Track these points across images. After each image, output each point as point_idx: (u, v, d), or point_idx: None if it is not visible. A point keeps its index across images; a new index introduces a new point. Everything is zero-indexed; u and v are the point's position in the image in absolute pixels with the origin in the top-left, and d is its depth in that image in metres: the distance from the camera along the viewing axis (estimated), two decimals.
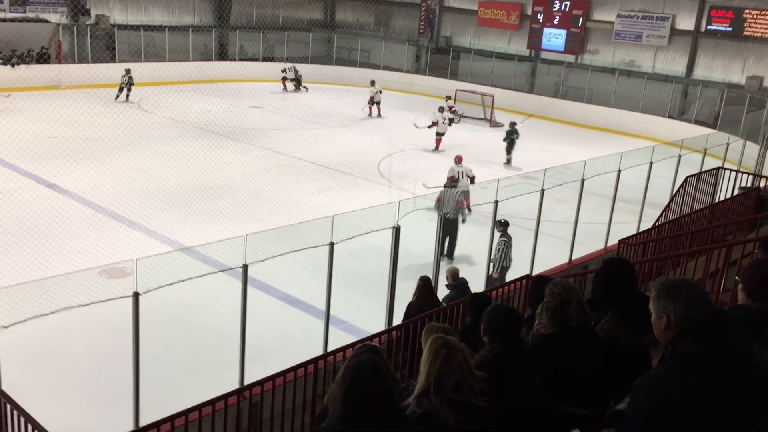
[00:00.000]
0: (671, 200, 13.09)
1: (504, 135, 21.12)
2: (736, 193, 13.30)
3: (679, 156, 13.87)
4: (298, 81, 31.46)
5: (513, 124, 21.23)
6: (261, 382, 6.23)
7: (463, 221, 12.95)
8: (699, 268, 7.92)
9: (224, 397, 5.91)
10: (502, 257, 10.85)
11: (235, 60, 33.40)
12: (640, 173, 12.88)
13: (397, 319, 8.52)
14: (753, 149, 20.38)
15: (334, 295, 8.22)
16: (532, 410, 3.52)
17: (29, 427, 5.28)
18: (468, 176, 15.01)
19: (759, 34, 26.46)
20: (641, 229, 11.72)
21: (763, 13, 26.29)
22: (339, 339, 8.16)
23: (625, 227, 12.23)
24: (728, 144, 16.90)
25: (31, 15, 28.33)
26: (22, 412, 5.38)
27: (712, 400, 2.56)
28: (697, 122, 26.56)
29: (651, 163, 12.93)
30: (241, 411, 6.21)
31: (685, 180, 13.04)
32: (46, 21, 28.77)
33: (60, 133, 19.27)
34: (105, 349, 8.84)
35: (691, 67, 28.65)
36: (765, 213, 11.27)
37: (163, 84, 28.62)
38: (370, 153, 20.03)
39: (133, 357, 6.63)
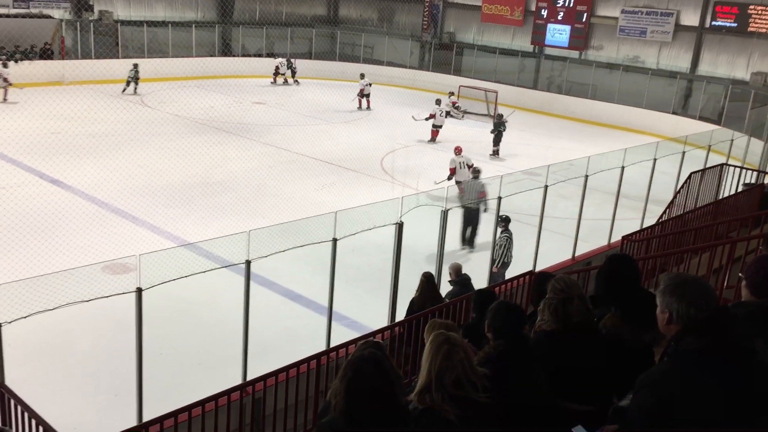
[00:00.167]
0: (675, 196, 13.06)
1: (492, 127, 21.59)
2: (740, 189, 13.27)
3: (683, 152, 13.83)
4: (293, 72, 31.62)
5: (500, 116, 21.78)
6: (264, 378, 6.23)
7: (485, 210, 13.14)
8: (702, 264, 7.90)
9: (227, 392, 5.92)
10: (503, 253, 10.85)
11: (238, 56, 33.38)
12: (643, 169, 12.85)
13: (400, 315, 8.51)
14: (757, 145, 20.35)
15: (336, 291, 8.21)
16: (535, 407, 3.51)
17: (33, 422, 5.30)
18: (468, 165, 15.58)
19: (764, 30, 26.37)
20: (645, 226, 11.69)
21: None
22: (342, 335, 8.16)
23: (629, 224, 12.20)
24: (732, 140, 16.86)
25: (34, 11, 28.35)
26: (25, 407, 5.39)
27: (715, 397, 2.55)
28: (702, 118, 26.48)
29: (655, 160, 12.89)
30: (244, 407, 6.21)
31: (689, 176, 13.01)
32: (50, 17, 28.77)
33: (63, 128, 19.30)
34: (108, 345, 8.85)
35: (695, 63, 28.57)
36: None
37: (166, 80, 28.58)
38: (373, 149, 20.02)
39: (136, 352, 6.64)
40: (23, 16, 27.78)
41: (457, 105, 27.56)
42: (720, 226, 10.06)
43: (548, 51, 32.64)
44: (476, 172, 14.37)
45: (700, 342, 2.65)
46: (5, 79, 23.59)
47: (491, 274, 10.71)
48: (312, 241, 7.85)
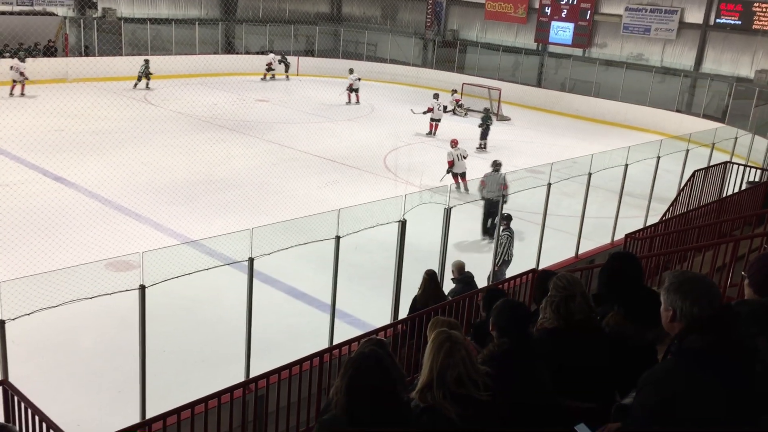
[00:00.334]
0: (678, 194, 13.04)
1: (479, 122, 22.08)
2: (743, 187, 13.24)
3: (687, 150, 13.81)
4: (286, 67, 31.83)
5: (487, 110, 22.48)
6: (266, 375, 6.24)
7: (505, 202, 13.28)
8: (706, 262, 7.89)
9: (230, 389, 5.92)
10: (503, 251, 10.84)
11: (241, 53, 33.39)
12: (647, 167, 12.82)
13: (403, 313, 8.51)
14: (761, 143, 20.29)
15: (339, 288, 8.21)
16: (538, 406, 3.51)
17: (36, 419, 5.30)
18: (463, 157, 16.89)
19: None
20: (648, 224, 11.68)
21: None
22: (344, 332, 8.16)
23: (632, 221, 12.18)
24: (736, 138, 16.81)
25: (38, 8, 28.39)
26: (29, 404, 5.40)
27: (718, 395, 2.55)
28: (705, 116, 26.43)
29: (658, 157, 12.86)
30: (247, 404, 6.22)
31: (693, 174, 12.98)
32: (53, 14, 28.81)
33: (67, 126, 19.33)
34: (111, 342, 8.87)
35: (699, 60, 28.50)
36: None
37: (170, 77, 28.59)
38: (376, 146, 20.00)
39: (139, 350, 6.65)
40: (27, 13, 27.82)
41: (460, 103, 27.55)
42: (723, 224, 10.05)
43: (552, 49, 32.58)
44: (497, 165, 14.55)
45: (704, 340, 2.64)
46: (21, 73, 23.98)
47: (494, 272, 10.70)
48: (315, 238, 7.85)
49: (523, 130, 25.38)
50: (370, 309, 9.95)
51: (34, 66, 25.72)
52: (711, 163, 13.94)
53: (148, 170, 16.34)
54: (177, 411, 5.55)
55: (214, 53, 32.47)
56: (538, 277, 5.59)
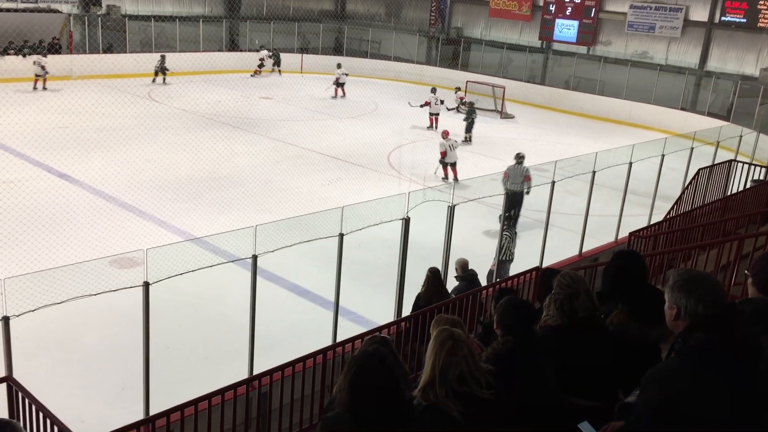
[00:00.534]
0: (683, 193, 13.01)
1: (465, 116, 22.55)
2: (748, 185, 13.20)
3: (692, 148, 13.77)
4: (278, 63, 32.07)
5: (471, 104, 22.75)
6: (270, 372, 6.24)
7: (527, 193, 13.84)
8: (710, 261, 7.88)
9: (234, 386, 5.93)
10: (504, 251, 10.82)
11: (245, 51, 33.41)
12: (651, 165, 12.80)
13: (406, 311, 8.52)
14: (766, 141, 20.24)
15: (343, 286, 8.22)
16: (542, 404, 3.51)
17: (41, 415, 5.32)
18: (454, 148, 17.40)
19: None
20: (652, 222, 11.66)
21: None
22: (348, 330, 8.17)
23: (636, 220, 12.17)
24: (741, 136, 16.77)
25: (42, 5, 28.43)
26: (33, 400, 5.41)
27: (722, 394, 2.55)
28: (710, 114, 26.36)
29: (663, 156, 12.84)
30: (251, 401, 6.23)
31: (697, 172, 12.96)
32: (58, 11, 28.85)
33: (71, 123, 19.36)
34: (115, 339, 8.89)
35: (704, 58, 28.42)
36: None
37: (174, 75, 28.63)
38: (380, 144, 20.00)
39: (143, 346, 6.66)
40: (32, 10, 27.87)
41: (464, 100, 27.51)
42: (728, 223, 10.02)
43: (556, 46, 32.52)
44: (521, 158, 14.69)
45: (708, 338, 2.64)
46: (43, 68, 24.61)
47: (497, 270, 10.69)
48: (318, 236, 7.85)
49: (527, 128, 25.35)
50: (373, 306, 9.95)
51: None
52: (715, 162, 13.92)
53: (152, 167, 16.37)
54: (181, 408, 5.56)
55: (218, 50, 32.49)
56: (542, 275, 5.59)
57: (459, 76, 30.44)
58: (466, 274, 8.91)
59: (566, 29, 31.66)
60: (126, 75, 26.40)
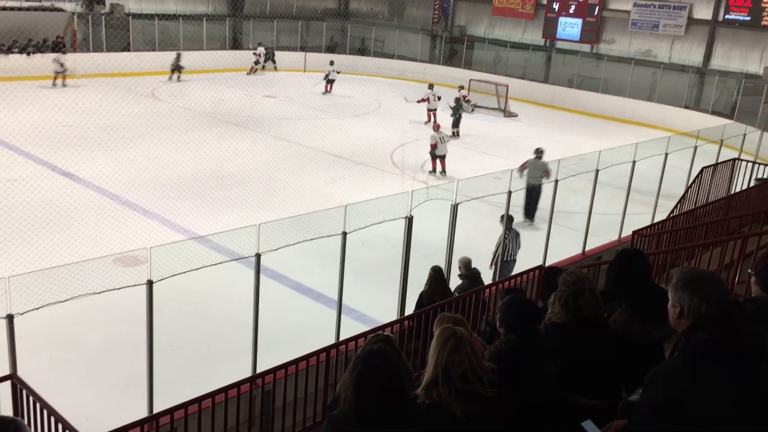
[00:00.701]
0: (686, 191, 12.99)
1: (451, 111, 22.76)
2: (752, 184, 13.18)
3: (695, 147, 13.75)
4: (272, 60, 32.21)
5: (458, 100, 23.01)
6: (273, 371, 6.26)
7: (544, 178, 14.20)
8: (714, 259, 7.87)
9: (237, 384, 5.95)
10: (500, 251, 10.82)
11: (249, 49, 33.41)
12: (655, 164, 12.79)
13: (410, 309, 8.52)
14: None
15: (346, 284, 8.23)
16: (544, 403, 3.51)
17: (45, 412, 5.34)
18: (444, 141, 17.74)
19: None
20: (656, 221, 11.64)
21: None
22: (351, 328, 8.18)
23: (640, 218, 12.16)
24: (745, 135, 16.73)
25: (46, 4, 28.47)
26: (37, 398, 5.44)
27: (725, 392, 2.54)
28: (714, 113, 26.30)
29: (666, 154, 12.82)
30: (254, 399, 6.24)
31: (701, 171, 12.94)
32: (62, 10, 28.88)
33: (75, 121, 19.38)
34: (119, 337, 8.91)
35: (708, 56, 28.34)
36: None
37: (177, 73, 28.68)
38: (383, 143, 20.00)
39: (146, 344, 6.68)
40: (36, 9, 27.91)
41: (467, 99, 27.49)
42: (732, 222, 10.00)
43: (559, 45, 32.45)
44: (540, 152, 14.86)
45: (711, 337, 2.64)
46: (62, 64, 25.27)
47: (500, 269, 10.69)
48: (322, 234, 7.86)
49: (531, 127, 25.32)
50: (376, 305, 9.97)
51: (42, 61, 25.86)
52: (719, 160, 13.89)
53: (155, 166, 16.39)
54: (184, 405, 5.58)
55: (222, 49, 32.50)
56: (545, 274, 5.58)
57: (462, 75, 30.40)
58: (469, 272, 8.92)
59: (569, 27, 31.60)
60: (129, 74, 26.40)
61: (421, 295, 8.31)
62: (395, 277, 8.99)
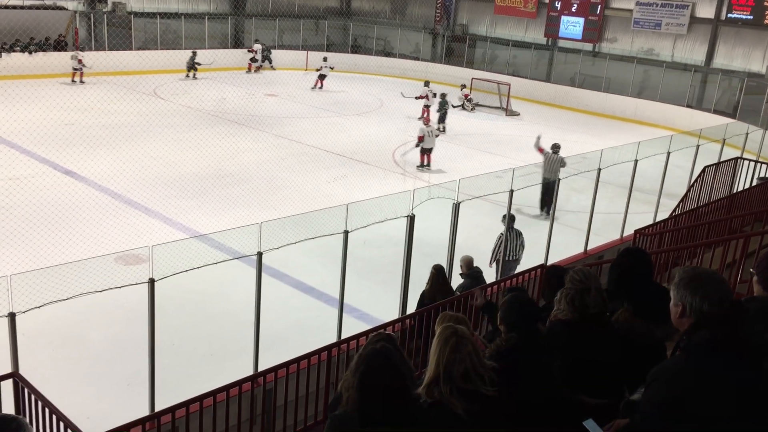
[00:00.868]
0: (689, 190, 12.97)
1: (437, 107, 23.18)
2: (754, 183, 13.15)
3: (698, 146, 13.72)
4: (268, 60, 32.28)
5: (444, 95, 23.21)
6: (275, 369, 6.26)
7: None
8: (716, 258, 7.85)
9: (238, 383, 5.94)
10: (501, 249, 10.81)
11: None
12: (657, 163, 12.77)
13: (411, 308, 8.52)
14: None
15: (347, 283, 8.22)
16: (545, 401, 3.51)
17: (47, 411, 5.34)
18: (431, 135, 18.03)
19: None
20: (658, 220, 11.62)
21: None
22: (352, 327, 8.18)
23: (642, 217, 12.14)
24: (747, 134, 16.70)
25: (48, 2, 28.48)
26: (39, 396, 5.44)
27: (727, 391, 2.54)
28: (716, 112, 26.26)
29: (668, 153, 12.80)
30: (255, 397, 6.24)
31: (703, 170, 12.91)
32: (64, 8, 28.90)
33: (77, 120, 19.40)
34: (120, 335, 8.92)
35: (710, 55, 28.30)
36: None
37: (180, 72, 28.70)
38: (385, 141, 19.99)
39: (148, 343, 6.68)
40: (38, 7, 27.92)
41: (469, 97, 27.49)
42: (734, 221, 9.97)
43: (562, 43, 32.42)
44: (557, 148, 15.07)
45: (713, 336, 2.63)
46: (80, 61, 25.82)
47: (502, 268, 10.68)
48: (323, 233, 7.85)
49: (533, 125, 25.25)
50: (378, 304, 9.96)
51: (44, 60, 25.89)
52: (721, 159, 13.86)
53: (157, 164, 16.39)
54: (186, 404, 5.58)
55: (224, 48, 32.51)
56: (547, 273, 5.58)
57: (464, 73, 30.39)
58: (471, 271, 8.91)
59: (572, 26, 31.57)
60: (131, 72, 26.43)
61: (423, 294, 8.30)
62: (397, 276, 8.98)
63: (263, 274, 7.43)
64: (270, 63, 32.42)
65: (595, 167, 11.41)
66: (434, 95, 24.05)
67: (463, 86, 27.74)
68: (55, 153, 16.38)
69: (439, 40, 35.87)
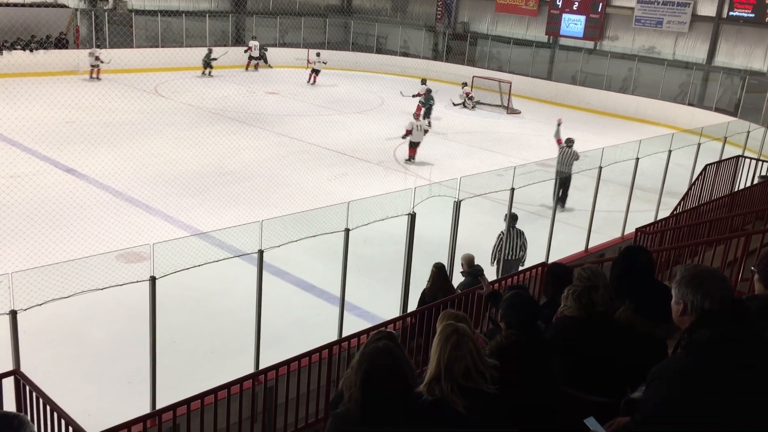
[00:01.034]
0: (690, 188, 12.96)
1: (423, 101, 23.26)
2: (755, 181, 13.14)
3: (699, 144, 13.71)
4: (264, 59, 32.35)
5: (429, 91, 23.40)
6: (276, 367, 6.26)
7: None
8: (717, 257, 7.85)
9: (239, 381, 5.95)
10: (498, 249, 10.80)
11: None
12: (658, 161, 12.76)
13: (412, 306, 8.52)
14: None
15: (349, 281, 8.22)
16: (546, 398, 3.51)
17: (48, 408, 5.35)
18: (420, 129, 18.38)
19: None
20: (659, 218, 11.62)
21: None
22: (353, 325, 8.19)
23: (643, 215, 12.13)
24: (749, 132, 16.67)
25: (49, 0, 28.47)
26: (41, 393, 5.44)
27: (728, 390, 2.54)
28: (718, 110, 26.24)
29: (670, 151, 12.79)
30: (256, 395, 6.25)
31: (704, 168, 12.90)
32: (65, 6, 28.89)
33: (78, 118, 19.41)
34: (122, 333, 8.93)
35: (712, 53, 28.27)
36: None
37: (180, 69, 28.66)
38: (386, 139, 19.99)
39: (149, 341, 6.69)
40: (39, 5, 27.91)
41: (470, 95, 27.47)
42: (735, 219, 9.97)
43: (563, 41, 32.39)
44: (570, 142, 15.29)
45: (714, 334, 2.63)
46: (97, 57, 26.29)
47: (503, 267, 10.68)
48: (324, 231, 7.85)
49: (534, 124, 25.29)
50: (379, 301, 9.97)
51: (45, 58, 25.89)
52: (723, 157, 13.85)
53: (158, 162, 16.40)
54: (187, 402, 5.58)
55: (225, 45, 32.48)
56: (548, 271, 5.57)
57: (465, 72, 30.36)
58: (471, 269, 8.91)
59: (573, 24, 31.53)
60: (132, 70, 26.43)
61: (424, 292, 8.30)
62: (398, 274, 8.98)
63: (264, 272, 7.43)
64: (266, 61, 32.39)
65: (596, 165, 11.41)
66: (430, 92, 24.09)
67: (465, 84, 27.72)
68: (57, 151, 16.38)
69: (440, 38, 35.83)
